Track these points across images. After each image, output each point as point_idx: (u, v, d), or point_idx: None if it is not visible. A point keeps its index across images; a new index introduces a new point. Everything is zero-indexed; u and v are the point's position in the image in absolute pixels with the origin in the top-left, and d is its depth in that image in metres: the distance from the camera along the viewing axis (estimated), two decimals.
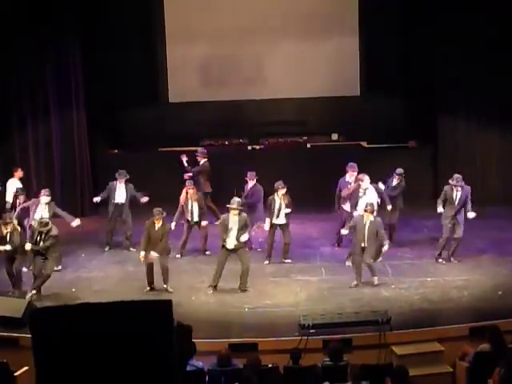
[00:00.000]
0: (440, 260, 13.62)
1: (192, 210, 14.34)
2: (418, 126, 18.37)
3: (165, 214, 12.75)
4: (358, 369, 8.77)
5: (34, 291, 12.19)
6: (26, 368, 8.97)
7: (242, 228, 12.55)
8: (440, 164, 18.16)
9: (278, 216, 13.79)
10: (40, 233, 12.33)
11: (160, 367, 2.54)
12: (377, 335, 10.20)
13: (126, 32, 18.63)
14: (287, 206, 13.79)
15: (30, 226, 13.08)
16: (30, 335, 2.58)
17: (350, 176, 14.44)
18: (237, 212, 12.56)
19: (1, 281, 12.80)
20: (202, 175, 16.06)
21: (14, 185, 15.23)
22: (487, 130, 17.54)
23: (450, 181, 13.61)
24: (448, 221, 13.58)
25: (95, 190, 18.48)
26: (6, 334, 10.58)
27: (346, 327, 10.41)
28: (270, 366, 9.06)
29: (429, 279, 12.64)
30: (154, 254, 12.50)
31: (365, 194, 13.75)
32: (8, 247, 12.41)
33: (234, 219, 12.54)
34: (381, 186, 14.35)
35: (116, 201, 14.95)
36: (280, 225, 13.85)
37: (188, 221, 14.38)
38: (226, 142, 19.13)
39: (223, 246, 12.59)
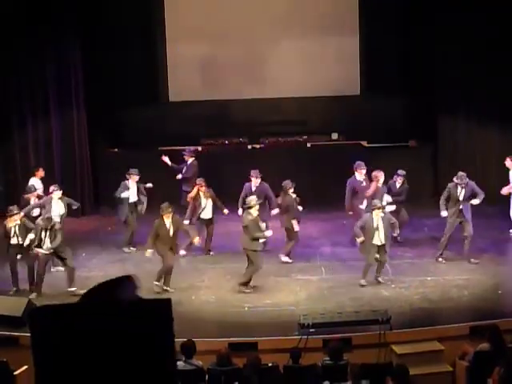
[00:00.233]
0: (440, 259, 13.60)
1: (205, 208, 14.35)
2: (418, 126, 18.38)
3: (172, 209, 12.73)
4: (358, 368, 8.78)
5: (73, 288, 12.19)
6: (25, 367, 8.98)
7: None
8: (440, 164, 18.16)
9: None
10: (45, 229, 12.34)
11: (159, 366, 2.54)
12: (377, 334, 10.20)
13: (126, 32, 18.64)
14: (298, 205, 13.84)
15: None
16: (29, 334, 2.58)
17: (360, 174, 14.46)
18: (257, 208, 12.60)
19: (3, 280, 12.79)
20: (189, 174, 16.08)
21: (35, 185, 15.28)
22: (487, 129, 17.53)
23: (455, 179, 13.56)
24: (452, 218, 13.55)
25: (95, 189, 18.54)
26: (5, 333, 10.58)
27: (346, 326, 10.41)
28: (269, 365, 9.06)
29: (429, 278, 12.64)
30: (149, 252, 12.53)
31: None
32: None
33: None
34: (385, 196, 14.30)
35: (130, 200, 14.88)
36: None
37: (200, 218, 14.38)
38: (226, 142, 19.13)
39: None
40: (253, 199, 12.72)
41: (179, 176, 16.02)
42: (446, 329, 10.56)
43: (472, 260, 13.40)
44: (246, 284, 12.39)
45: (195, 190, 14.48)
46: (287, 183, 13.89)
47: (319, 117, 19.21)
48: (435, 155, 18.40)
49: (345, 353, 9.21)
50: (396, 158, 16.89)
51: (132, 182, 14.87)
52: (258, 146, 19.08)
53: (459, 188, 13.48)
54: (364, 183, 14.41)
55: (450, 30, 17.26)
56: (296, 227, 13.77)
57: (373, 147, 18.64)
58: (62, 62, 17.59)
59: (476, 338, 9.83)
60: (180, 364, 8.54)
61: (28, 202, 14.42)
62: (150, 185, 15.11)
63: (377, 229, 12.45)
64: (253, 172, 14.73)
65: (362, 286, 12.39)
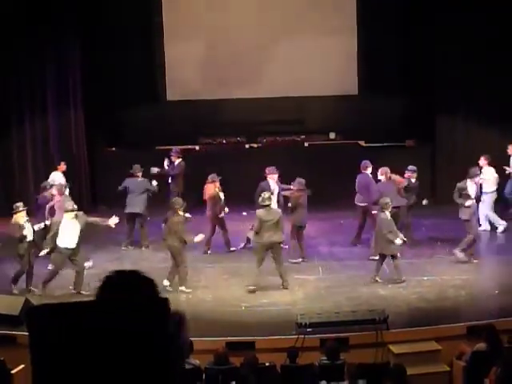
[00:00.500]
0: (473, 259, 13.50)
1: (224, 202, 14.46)
2: (416, 126, 18.38)
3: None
4: (354, 367, 8.78)
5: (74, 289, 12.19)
6: (22, 366, 8.98)
7: None
8: (438, 164, 18.17)
9: None
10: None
11: (157, 366, 2.54)
12: (374, 334, 10.20)
13: (126, 32, 18.66)
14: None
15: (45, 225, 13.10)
16: (26, 333, 2.57)
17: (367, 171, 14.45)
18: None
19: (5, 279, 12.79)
20: (178, 175, 16.09)
21: (56, 178, 15.33)
22: (487, 130, 17.52)
23: (469, 177, 13.61)
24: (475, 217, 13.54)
25: (92, 188, 18.55)
26: (2, 331, 10.57)
27: (343, 326, 10.41)
28: (267, 364, 9.07)
29: (426, 278, 12.64)
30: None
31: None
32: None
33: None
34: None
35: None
36: None
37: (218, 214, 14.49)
38: (224, 141, 19.14)
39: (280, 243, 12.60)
40: (268, 195, 12.69)
41: (169, 179, 16.03)
42: (443, 329, 10.56)
43: (473, 259, 13.42)
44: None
45: (212, 186, 14.47)
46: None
47: (317, 116, 19.22)
48: (433, 155, 18.41)
49: (342, 352, 9.22)
50: (393, 158, 16.88)
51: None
52: (255, 146, 19.09)
53: (470, 186, 13.54)
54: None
55: (450, 29, 17.27)
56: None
57: (370, 147, 18.65)
58: (62, 62, 17.63)
59: (473, 338, 9.83)
60: None
61: (44, 200, 14.28)
62: (156, 169, 15.16)
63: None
64: (267, 170, 14.68)
65: (375, 281, 12.45)
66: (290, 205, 13.84)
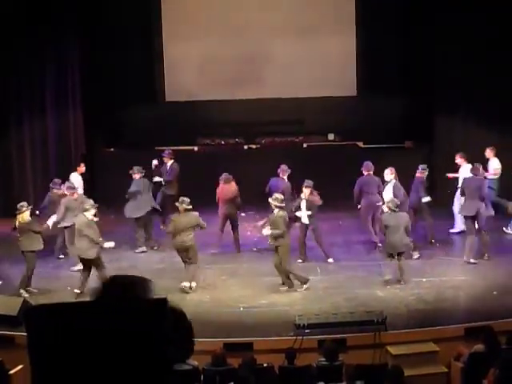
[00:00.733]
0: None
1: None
2: (414, 127, 18.39)
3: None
4: (352, 369, 8.78)
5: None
6: (20, 366, 8.97)
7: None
8: (437, 164, 18.15)
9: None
10: None
11: (154, 366, 2.54)
12: (372, 335, 10.20)
13: (126, 32, 18.67)
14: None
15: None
16: (25, 333, 2.58)
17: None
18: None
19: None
20: (171, 177, 16.06)
21: (75, 179, 15.38)
22: (486, 130, 17.50)
23: (475, 173, 13.69)
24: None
25: (91, 188, 18.51)
26: (1, 332, 10.56)
27: (341, 327, 10.41)
28: (265, 365, 9.06)
29: (424, 279, 12.64)
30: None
31: (384, 188, 13.81)
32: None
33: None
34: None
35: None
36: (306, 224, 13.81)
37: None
38: (223, 142, 19.14)
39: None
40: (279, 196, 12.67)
41: (162, 181, 15.97)
42: (441, 330, 10.56)
43: (471, 260, 13.44)
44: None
45: (234, 186, 14.54)
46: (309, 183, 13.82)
47: (316, 117, 19.22)
48: (431, 156, 18.40)
49: (340, 353, 9.22)
50: (392, 159, 16.87)
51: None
52: (254, 147, 19.10)
53: (474, 183, 13.66)
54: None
55: (450, 29, 17.27)
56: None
57: (369, 148, 18.65)
58: (62, 62, 17.64)
59: (471, 340, 9.83)
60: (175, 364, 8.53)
61: (56, 198, 14.23)
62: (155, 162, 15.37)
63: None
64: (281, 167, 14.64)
65: (386, 281, 12.44)
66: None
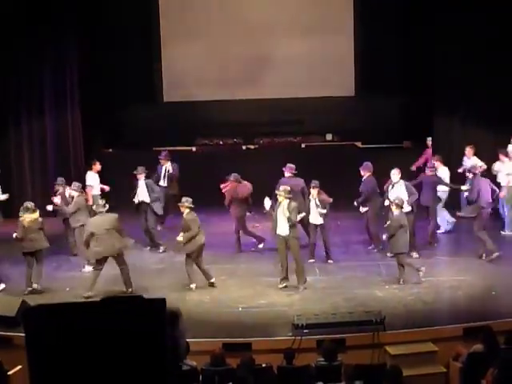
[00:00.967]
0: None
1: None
2: (413, 127, 18.38)
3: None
4: (351, 369, 8.77)
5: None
6: (19, 367, 8.96)
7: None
8: None
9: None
10: None
11: (153, 366, 2.54)
12: (371, 335, 10.20)
13: (125, 32, 18.67)
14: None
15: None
16: (23, 334, 2.57)
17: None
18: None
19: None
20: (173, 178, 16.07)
21: (91, 178, 15.52)
22: (485, 130, 17.49)
23: (476, 170, 13.73)
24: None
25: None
26: None
27: (339, 327, 10.41)
28: (263, 365, 9.05)
29: (423, 279, 12.63)
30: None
31: (393, 188, 13.81)
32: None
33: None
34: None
35: (140, 199, 14.82)
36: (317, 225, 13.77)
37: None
38: (221, 142, 19.14)
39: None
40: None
41: (161, 183, 15.97)
42: (439, 330, 10.56)
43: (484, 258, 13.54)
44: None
45: (247, 185, 14.58)
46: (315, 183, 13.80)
47: (314, 117, 19.22)
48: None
49: (339, 353, 9.22)
50: (391, 159, 16.86)
51: (140, 181, 14.80)
52: (252, 147, 19.10)
53: (477, 181, 13.78)
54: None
55: (450, 29, 17.26)
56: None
57: (367, 148, 18.65)
58: (61, 62, 17.64)
59: (470, 340, 9.83)
60: None
61: (62, 194, 14.20)
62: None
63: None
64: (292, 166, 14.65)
65: (400, 283, 12.45)
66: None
